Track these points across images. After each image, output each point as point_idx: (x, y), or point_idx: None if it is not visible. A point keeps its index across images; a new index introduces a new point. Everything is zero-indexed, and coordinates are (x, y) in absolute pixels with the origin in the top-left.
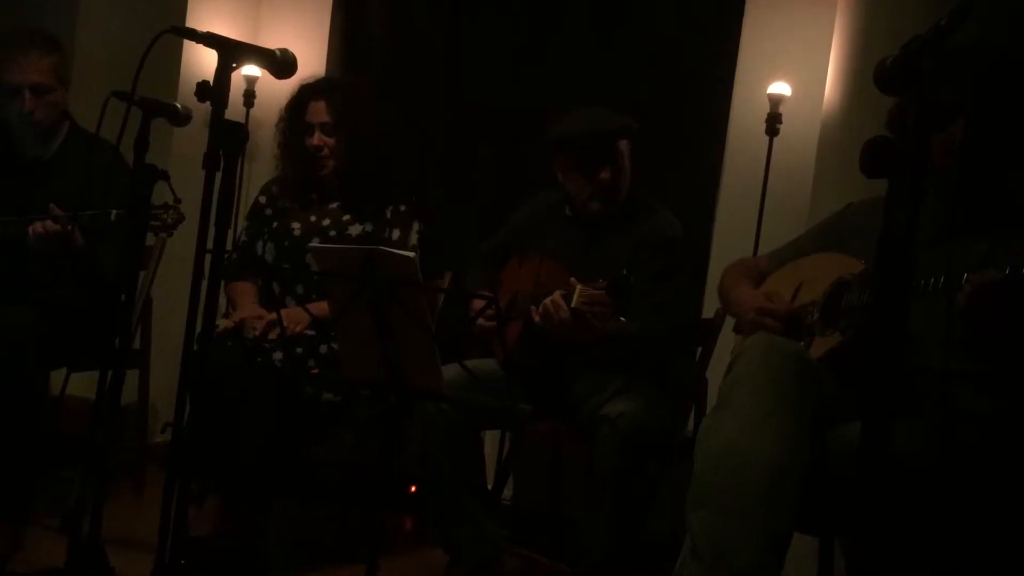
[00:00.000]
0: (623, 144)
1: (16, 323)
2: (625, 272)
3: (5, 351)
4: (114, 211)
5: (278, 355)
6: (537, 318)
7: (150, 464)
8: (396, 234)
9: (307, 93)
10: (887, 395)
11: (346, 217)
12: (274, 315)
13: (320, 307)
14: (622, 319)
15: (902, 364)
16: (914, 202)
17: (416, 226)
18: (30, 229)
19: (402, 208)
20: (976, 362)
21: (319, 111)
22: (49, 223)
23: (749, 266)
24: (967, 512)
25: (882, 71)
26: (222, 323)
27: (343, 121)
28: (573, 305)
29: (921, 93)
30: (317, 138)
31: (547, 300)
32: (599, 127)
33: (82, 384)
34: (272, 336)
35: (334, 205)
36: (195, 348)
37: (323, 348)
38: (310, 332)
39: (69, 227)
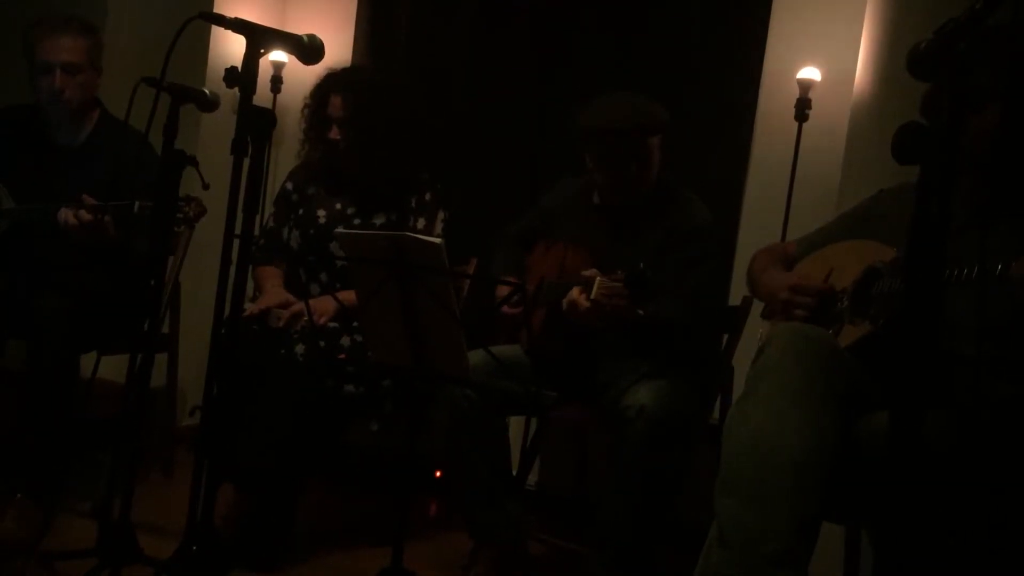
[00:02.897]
0: (652, 139)
1: (50, 307)
2: (642, 265)
3: (40, 334)
4: (137, 203)
5: (300, 348)
6: (566, 306)
7: (179, 447)
8: (421, 223)
9: (329, 84)
10: (918, 385)
11: (370, 206)
12: (300, 305)
13: (348, 295)
14: (640, 311)
15: (934, 352)
16: (947, 188)
17: (441, 215)
18: (61, 216)
19: (427, 197)
20: (1008, 349)
21: (336, 106)
22: (83, 212)
23: (778, 252)
24: (996, 499)
25: (916, 56)
26: (249, 307)
27: (357, 118)
28: (593, 296)
29: (957, 77)
30: (334, 132)
31: (564, 301)
32: (628, 124)
33: (112, 368)
34: (298, 326)
35: (358, 194)
36: (222, 332)
37: (346, 341)
38: (333, 324)
39: (102, 216)
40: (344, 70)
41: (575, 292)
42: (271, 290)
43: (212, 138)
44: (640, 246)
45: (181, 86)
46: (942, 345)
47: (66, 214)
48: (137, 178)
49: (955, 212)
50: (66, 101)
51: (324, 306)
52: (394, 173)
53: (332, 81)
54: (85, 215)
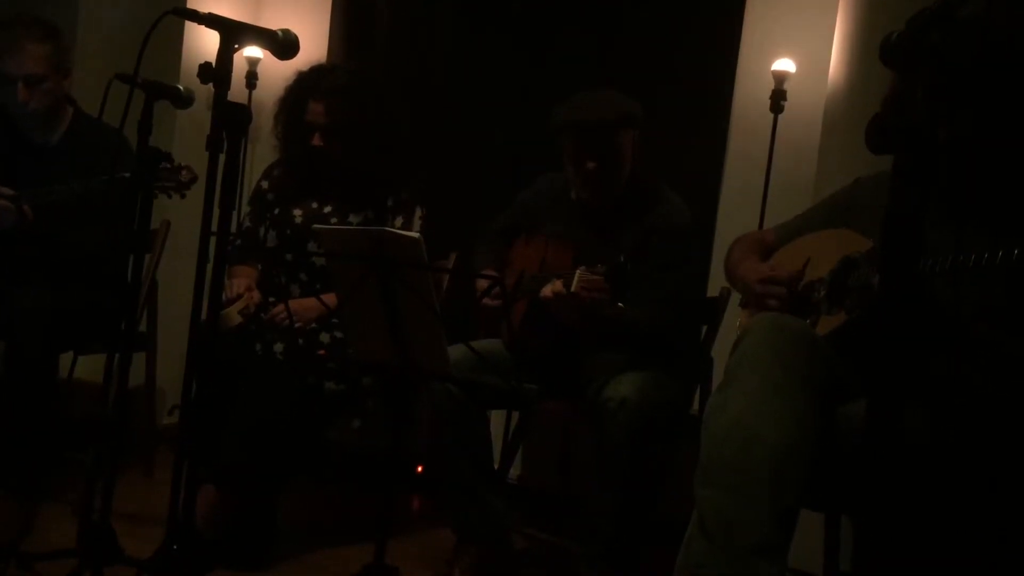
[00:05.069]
0: (622, 134)
1: (31, 305)
2: (623, 259)
3: (20, 333)
4: (125, 174)
5: (279, 346)
6: (549, 293)
7: (159, 446)
8: (399, 221)
9: (306, 90)
10: (895, 374)
11: (348, 204)
12: (281, 308)
13: (333, 299)
14: (620, 304)
15: (910, 342)
16: (922, 179)
17: (419, 212)
18: None
19: (403, 195)
20: (981, 337)
21: (318, 113)
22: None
23: (756, 240)
24: (974, 488)
25: (888, 46)
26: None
27: (343, 124)
28: (572, 289)
29: (929, 68)
30: (317, 139)
31: (547, 290)
32: (594, 116)
33: (90, 367)
34: (280, 317)
35: (335, 193)
36: (201, 330)
37: (325, 337)
38: (313, 326)
39: (22, 204)
40: (318, 72)
41: (557, 283)
42: (239, 282)
43: (187, 135)
44: (619, 245)
45: (155, 82)
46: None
47: None
48: (115, 173)
49: (930, 205)
50: (33, 112)
51: (307, 313)
52: (378, 174)
53: (309, 86)
54: (3, 203)
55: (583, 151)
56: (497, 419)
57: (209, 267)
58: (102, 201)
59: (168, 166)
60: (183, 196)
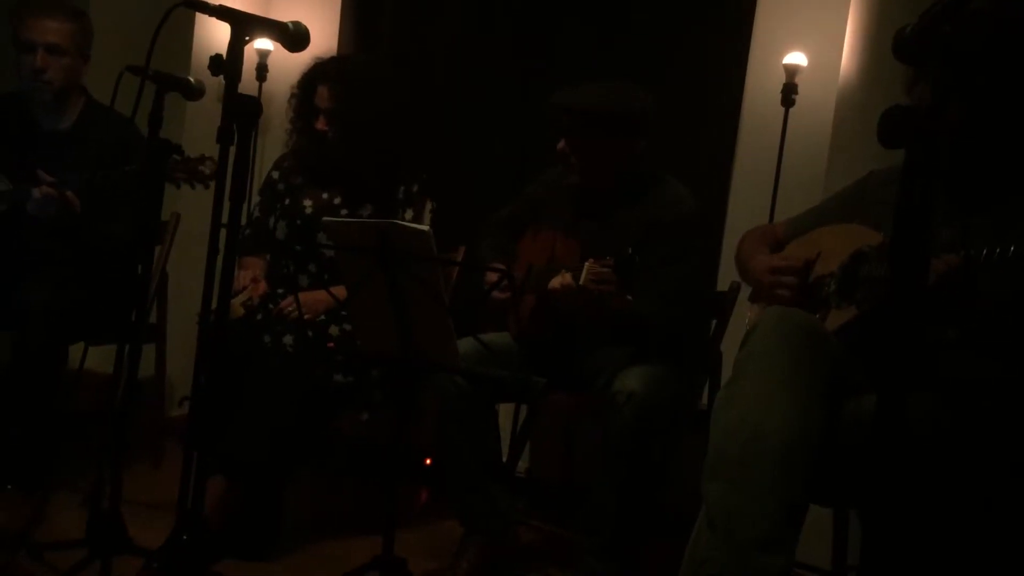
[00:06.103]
0: (604, 130)
1: (37, 298)
2: (631, 251)
3: (27, 326)
4: (130, 167)
5: (288, 339)
6: (557, 284)
7: (168, 437)
8: (409, 214)
9: (317, 74)
10: (903, 368)
11: (357, 196)
12: (290, 301)
13: (342, 291)
14: (628, 297)
15: (918, 336)
16: (930, 173)
17: (429, 205)
18: (35, 193)
19: (414, 188)
20: (991, 332)
21: (324, 97)
22: (44, 187)
23: (766, 234)
24: (980, 481)
25: (901, 40)
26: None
27: (345, 110)
28: (581, 282)
29: (940, 62)
30: (321, 123)
31: (555, 282)
32: (571, 102)
33: (100, 358)
34: (288, 310)
35: (345, 184)
36: (210, 321)
37: (334, 330)
38: (321, 317)
39: (63, 192)
40: (332, 60)
41: (566, 275)
42: (245, 274)
43: (198, 127)
44: (623, 234)
45: (166, 74)
46: (926, 328)
47: (33, 191)
48: (126, 162)
49: (940, 201)
50: (47, 82)
51: (316, 305)
52: (381, 164)
53: (320, 71)
54: (47, 190)
55: (571, 136)
56: (506, 412)
57: (219, 259)
58: (111, 192)
59: (190, 157)
60: (207, 187)
